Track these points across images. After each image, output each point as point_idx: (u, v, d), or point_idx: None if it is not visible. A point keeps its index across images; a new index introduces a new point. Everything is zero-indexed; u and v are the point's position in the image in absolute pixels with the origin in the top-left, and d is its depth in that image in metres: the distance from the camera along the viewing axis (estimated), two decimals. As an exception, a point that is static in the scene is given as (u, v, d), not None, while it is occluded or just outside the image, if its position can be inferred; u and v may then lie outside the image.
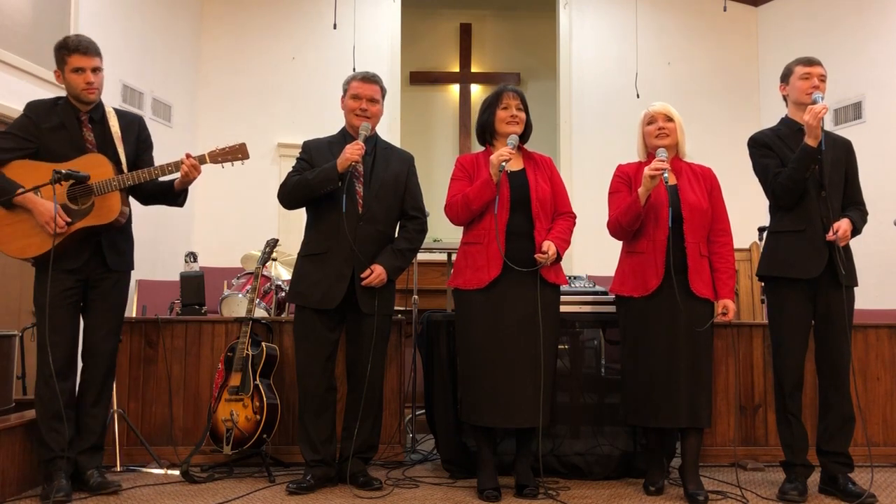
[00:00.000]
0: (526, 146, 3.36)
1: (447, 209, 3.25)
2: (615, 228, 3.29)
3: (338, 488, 3.30)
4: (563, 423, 3.62)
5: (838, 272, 3.11)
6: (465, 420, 3.22)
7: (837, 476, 3.18)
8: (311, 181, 3.23)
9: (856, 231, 3.20)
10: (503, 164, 3.06)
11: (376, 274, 3.23)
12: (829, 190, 3.16)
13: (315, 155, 3.36)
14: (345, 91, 3.41)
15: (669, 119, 3.27)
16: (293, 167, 3.40)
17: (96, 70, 3.12)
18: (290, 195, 3.32)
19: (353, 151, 3.17)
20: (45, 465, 3.07)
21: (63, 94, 3.20)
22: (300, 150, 3.44)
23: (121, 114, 3.29)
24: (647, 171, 3.09)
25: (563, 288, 3.35)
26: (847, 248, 3.20)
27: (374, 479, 3.29)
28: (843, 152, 3.28)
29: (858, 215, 3.24)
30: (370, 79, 3.38)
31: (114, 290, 3.22)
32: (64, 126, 3.11)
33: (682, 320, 3.13)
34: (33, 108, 3.16)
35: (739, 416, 3.90)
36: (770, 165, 3.25)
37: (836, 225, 3.10)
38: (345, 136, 3.41)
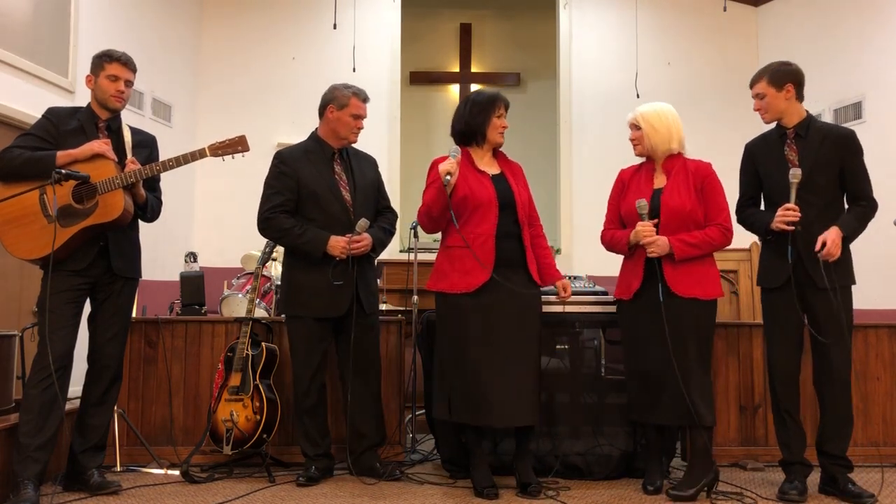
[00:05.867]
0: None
1: (418, 217, 3.30)
2: (607, 247, 3.43)
3: (339, 482, 3.34)
4: (563, 423, 3.62)
5: (815, 277, 3.10)
6: (458, 420, 3.18)
7: (837, 476, 3.18)
8: (297, 242, 3.36)
9: (852, 232, 3.14)
10: (448, 176, 3.06)
11: (368, 241, 3.36)
12: (805, 195, 3.12)
13: (296, 166, 3.44)
14: (338, 102, 3.44)
15: (637, 127, 3.31)
16: (271, 188, 3.43)
17: (129, 83, 3.24)
18: (272, 236, 3.47)
19: (342, 250, 3.31)
20: (17, 465, 2.98)
21: (64, 100, 3.24)
22: (276, 162, 3.48)
23: (135, 130, 3.37)
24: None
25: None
26: (847, 248, 3.17)
27: (394, 471, 3.43)
28: (835, 149, 3.17)
29: (855, 214, 3.18)
30: (368, 99, 3.53)
31: (120, 296, 3.25)
32: (83, 130, 3.18)
33: (665, 321, 3.14)
34: (54, 112, 3.24)
35: (739, 416, 3.90)
36: (743, 188, 3.38)
37: (820, 239, 3.06)
38: (321, 145, 3.50)
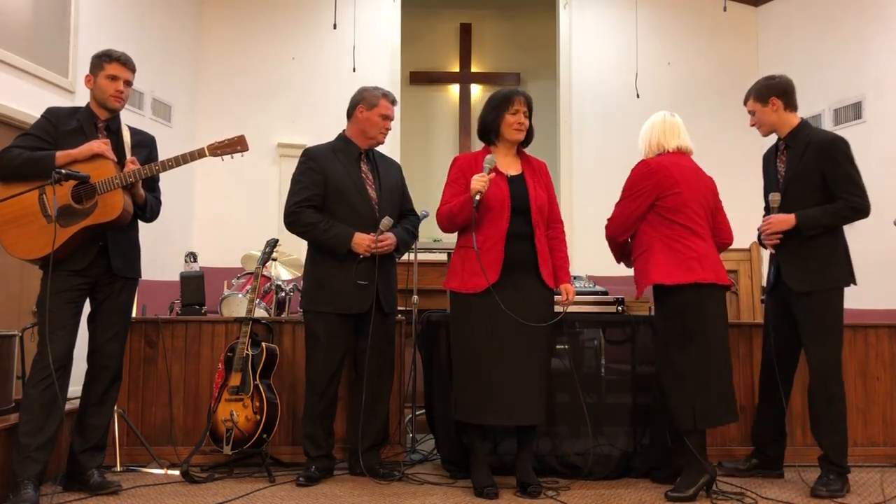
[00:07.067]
0: (526, 146, 3.37)
1: (437, 217, 3.29)
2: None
3: (339, 482, 3.34)
4: (563, 423, 3.61)
5: (790, 283, 3.23)
6: (462, 419, 3.20)
7: (820, 473, 3.25)
8: (322, 238, 3.37)
9: (810, 223, 3.16)
10: (478, 196, 3.07)
11: (392, 240, 3.39)
12: (785, 205, 3.24)
13: (324, 164, 3.45)
14: (368, 102, 3.48)
15: None
16: (298, 183, 3.44)
17: (128, 83, 3.24)
18: (298, 230, 3.43)
19: (367, 248, 3.32)
20: (17, 465, 2.98)
21: (64, 100, 3.24)
22: (304, 159, 3.49)
23: (135, 130, 3.36)
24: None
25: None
26: (832, 251, 3.19)
27: (393, 471, 3.45)
28: (815, 158, 3.21)
29: (823, 208, 3.18)
30: (396, 102, 3.58)
31: (120, 296, 3.24)
32: (82, 131, 3.18)
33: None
34: (53, 112, 3.23)
35: (740, 416, 3.89)
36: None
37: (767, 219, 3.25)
38: (348, 145, 3.53)
